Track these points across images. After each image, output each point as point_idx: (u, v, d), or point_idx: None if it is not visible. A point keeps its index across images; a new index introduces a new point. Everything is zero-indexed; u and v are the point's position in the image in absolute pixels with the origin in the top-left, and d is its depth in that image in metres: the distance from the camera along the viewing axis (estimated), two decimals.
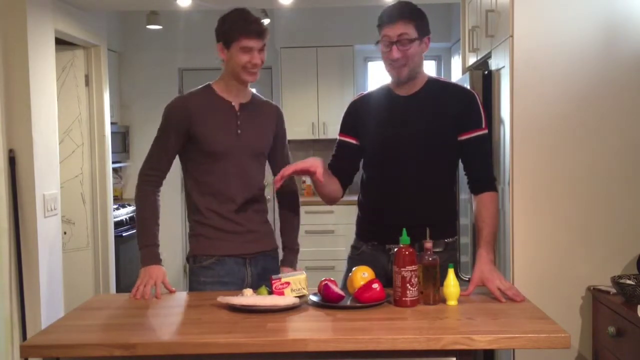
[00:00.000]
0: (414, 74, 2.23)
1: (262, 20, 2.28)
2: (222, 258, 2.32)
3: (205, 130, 2.29)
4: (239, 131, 2.32)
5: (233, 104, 2.34)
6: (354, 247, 2.41)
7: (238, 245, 2.33)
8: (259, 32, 2.24)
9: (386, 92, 2.33)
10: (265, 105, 2.45)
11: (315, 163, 2.16)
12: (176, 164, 2.39)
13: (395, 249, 2.23)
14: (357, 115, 2.36)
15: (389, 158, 2.27)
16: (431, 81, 2.30)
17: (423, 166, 2.24)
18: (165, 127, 2.33)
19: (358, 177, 2.44)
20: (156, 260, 2.27)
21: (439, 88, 2.30)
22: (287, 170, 2.16)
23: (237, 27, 2.23)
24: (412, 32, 2.17)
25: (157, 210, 2.35)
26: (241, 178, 2.33)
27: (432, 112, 2.24)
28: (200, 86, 2.40)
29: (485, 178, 2.28)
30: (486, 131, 2.27)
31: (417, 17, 2.20)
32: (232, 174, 2.31)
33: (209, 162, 2.32)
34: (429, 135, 2.24)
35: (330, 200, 2.40)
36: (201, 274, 2.33)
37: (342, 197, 2.42)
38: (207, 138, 2.29)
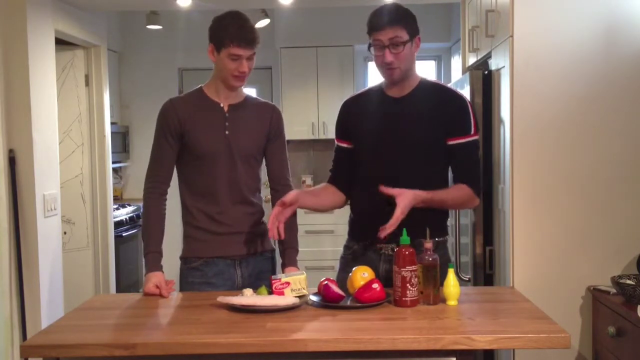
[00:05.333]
0: (406, 75, 2.25)
1: (255, 27, 2.25)
2: (210, 259, 2.34)
3: (193, 132, 2.30)
4: (227, 132, 2.32)
5: (222, 105, 2.34)
6: (346, 247, 2.42)
7: (226, 247, 2.34)
8: (250, 40, 2.22)
9: (378, 93, 2.34)
10: (259, 106, 2.43)
11: (292, 195, 2.20)
12: None
13: (388, 249, 2.26)
14: (348, 117, 2.39)
15: (380, 159, 2.28)
16: (423, 83, 2.31)
17: (413, 167, 2.24)
18: (159, 132, 2.35)
19: None
20: (156, 267, 2.30)
21: (431, 91, 2.30)
22: (274, 223, 2.16)
23: (228, 34, 2.21)
24: (403, 34, 2.17)
25: (160, 217, 2.36)
26: (229, 179, 2.33)
27: (422, 115, 2.25)
28: (192, 89, 2.41)
29: (470, 184, 2.25)
30: (475, 137, 2.26)
31: (406, 20, 2.20)
32: (220, 175, 2.32)
33: (197, 163, 2.33)
34: (419, 137, 2.24)
35: (335, 208, 2.45)
36: (189, 274, 2.35)
37: (347, 201, 2.43)
38: (195, 139, 2.30)
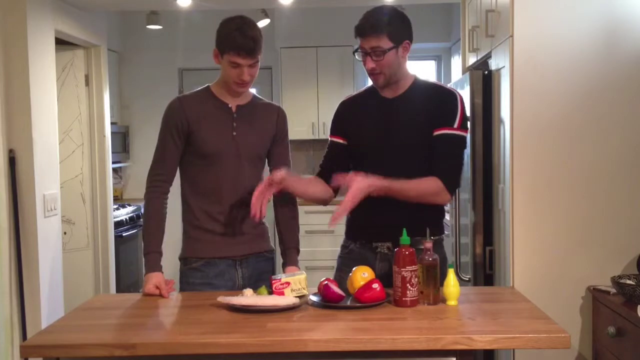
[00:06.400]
0: (392, 80, 2.26)
1: (258, 36, 2.22)
2: (211, 260, 2.33)
3: (200, 131, 2.30)
4: (234, 133, 2.32)
5: (230, 105, 2.34)
6: (343, 246, 2.43)
7: (227, 247, 2.34)
8: (249, 50, 2.19)
9: (373, 94, 2.35)
10: (265, 107, 2.44)
11: (281, 174, 2.20)
12: None
13: (384, 247, 2.27)
14: (345, 116, 2.39)
15: (376, 159, 2.28)
16: (417, 82, 2.31)
17: (409, 166, 2.24)
18: (164, 130, 2.34)
19: None
20: (156, 267, 2.29)
21: (424, 89, 2.31)
22: (258, 200, 2.18)
23: (229, 41, 2.20)
24: (385, 43, 2.17)
25: (162, 217, 2.35)
26: (233, 180, 2.33)
27: (416, 114, 2.25)
28: (199, 88, 2.40)
29: (441, 177, 2.21)
30: (457, 132, 2.22)
31: (391, 27, 2.18)
32: (225, 176, 2.32)
33: (203, 162, 2.32)
34: (414, 136, 2.25)
35: (320, 202, 2.42)
36: (190, 275, 2.35)
37: (335, 197, 2.42)
38: (202, 139, 2.29)
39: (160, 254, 2.32)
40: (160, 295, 2.21)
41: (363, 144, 2.32)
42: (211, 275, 2.33)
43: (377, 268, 2.25)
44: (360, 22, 2.21)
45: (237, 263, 2.36)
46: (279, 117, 2.43)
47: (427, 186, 2.20)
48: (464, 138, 2.26)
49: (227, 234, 2.34)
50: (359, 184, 2.11)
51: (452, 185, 2.24)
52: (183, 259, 2.39)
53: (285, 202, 2.45)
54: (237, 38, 2.19)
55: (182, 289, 2.35)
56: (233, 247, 2.34)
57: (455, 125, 2.22)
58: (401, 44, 2.21)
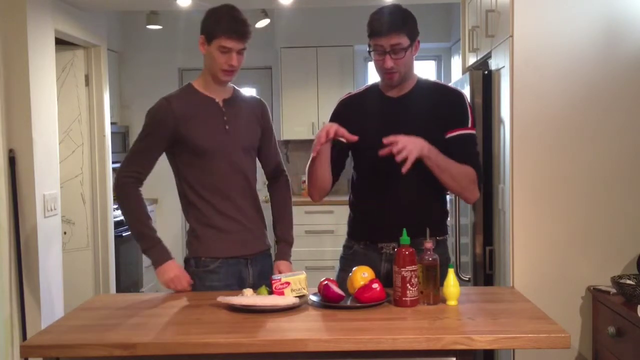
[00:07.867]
0: (405, 78, 2.25)
1: (247, 21, 2.23)
2: (225, 260, 2.31)
3: (193, 130, 2.27)
4: (227, 127, 2.32)
5: (217, 100, 2.34)
6: (346, 247, 2.42)
7: (240, 246, 2.33)
8: (242, 33, 2.20)
9: (376, 93, 2.34)
10: (248, 99, 2.46)
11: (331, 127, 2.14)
12: None
13: (389, 248, 2.26)
14: (346, 115, 2.36)
15: (380, 159, 2.27)
16: (421, 82, 2.32)
17: (413, 166, 2.24)
18: (149, 130, 2.32)
19: (349, 177, 2.44)
20: (167, 256, 2.27)
21: (429, 89, 2.31)
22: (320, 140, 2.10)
23: (220, 25, 2.19)
24: (404, 41, 2.17)
25: (143, 204, 2.31)
26: (236, 174, 2.33)
27: (422, 113, 2.26)
28: (181, 87, 2.40)
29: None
30: (472, 131, 2.26)
31: (408, 24, 2.19)
32: (227, 171, 2.31)
33: (202, 161, 2.30)
34: (421, 135, 2.23)
35: (325, 184, 2.34)
36: (207, 278, 2.30)
37: (330, 190, 2.39)
38: (197, 137, 2.27)
39: (161, 241, 2.29)
40: (183, 290, 2.23)
41: (367, 143, 2.30)
42: (229, 276, 2.31)
43: (381, 269, 2.25)
44: (377, 21, 2.19)
45: (248, 262, 2.35)
46: (263, 108, 2.46)
47: (468, 172, 2.20)
48: (476, 136, 2.30)
49: (237, 230, 2.32)
50: (410, 137, 2.07)
51: (481, 181, 2.27)
52: (194, 258, 2.32)
53: (280, 194, 2.50)
54: (230, 21, 2.20)
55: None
56: (245, 245, 2.33)
57: (469, 125, 2.25)
58: (415, 42, 2.22)
